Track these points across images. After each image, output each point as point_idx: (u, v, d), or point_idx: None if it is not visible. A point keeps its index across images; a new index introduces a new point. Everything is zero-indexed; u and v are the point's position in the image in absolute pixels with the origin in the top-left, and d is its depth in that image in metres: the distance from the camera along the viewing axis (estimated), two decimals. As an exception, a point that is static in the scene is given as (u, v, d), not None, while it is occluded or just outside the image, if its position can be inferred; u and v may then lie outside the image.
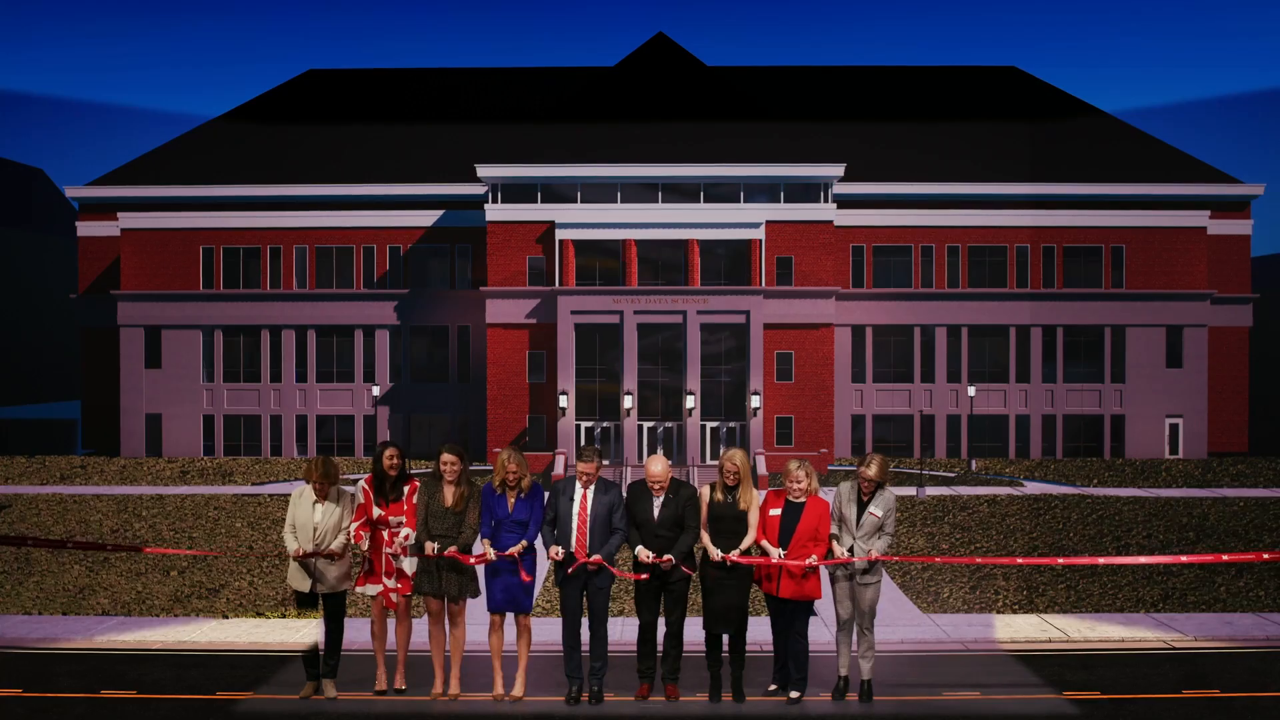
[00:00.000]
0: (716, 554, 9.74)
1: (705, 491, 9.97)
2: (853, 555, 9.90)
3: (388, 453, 10.01)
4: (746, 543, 9.86)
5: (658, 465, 9.86)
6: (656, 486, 9.84)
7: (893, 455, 47.24)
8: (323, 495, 9.89)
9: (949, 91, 54.60)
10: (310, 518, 9.86)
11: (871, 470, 9.94)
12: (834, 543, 10.02)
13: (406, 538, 9.84)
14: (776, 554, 9.77)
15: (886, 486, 10.06)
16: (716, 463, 10.56)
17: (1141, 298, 47.67)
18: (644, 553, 9.80)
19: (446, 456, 9.85)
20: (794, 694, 9.91)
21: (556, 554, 9.70)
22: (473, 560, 9.77)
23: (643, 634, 10.02)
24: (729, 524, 9.85)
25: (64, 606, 14.98)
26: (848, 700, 9.97)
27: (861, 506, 9.98)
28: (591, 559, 9.68)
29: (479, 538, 9.93)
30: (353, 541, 9.92)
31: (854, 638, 10.13)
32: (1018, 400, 48.16)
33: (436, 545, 9.72)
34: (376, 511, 9.96)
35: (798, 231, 46.36)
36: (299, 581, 9.85)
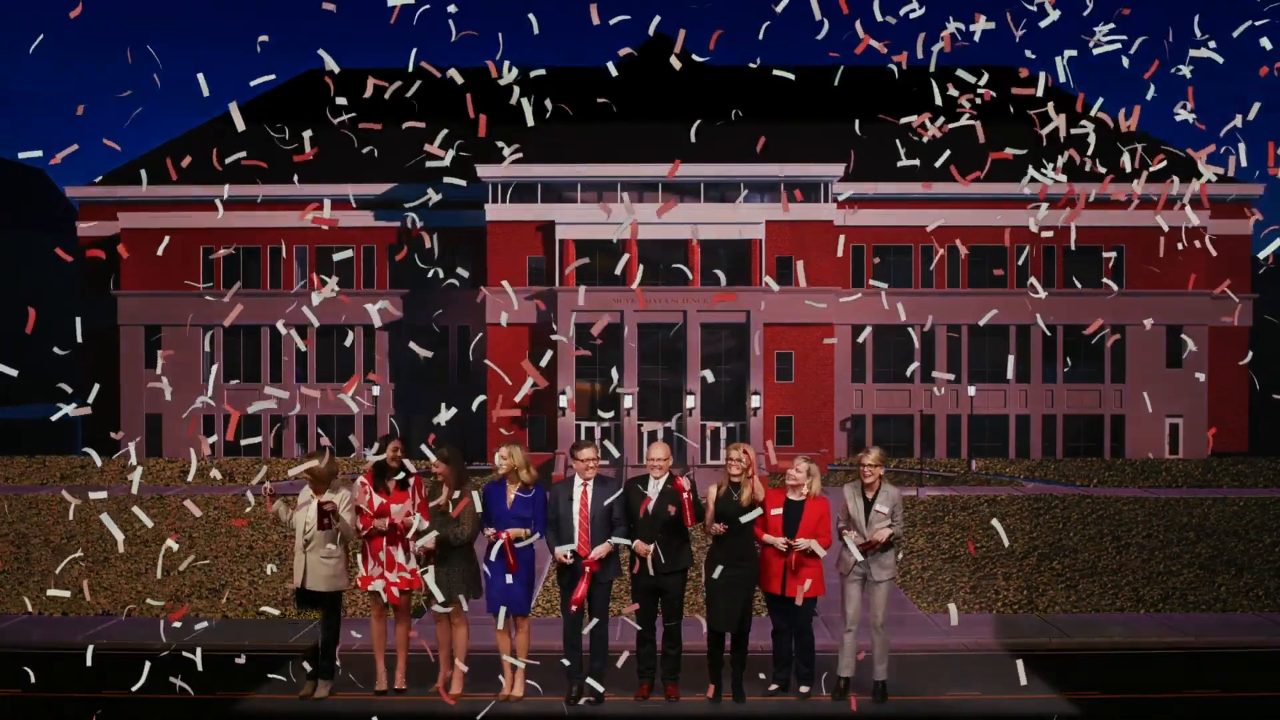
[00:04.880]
0: (717, 527, 9.76)
1: (712, 490, 9.99)
2: (863, 541, 9.90)
3: (392, 445, 10.08)
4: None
5: (659, 449, 9.93)
6: (656, 471, 9.87)
7: (892, 455, 47.24)
8: (319, 492, 9.95)
9: (949, 91, 54.60)
10: (304, 514, 9.93)
11: (869, 458, 9.99)
12: (844, 541, 10.06)
13: (414, 519, 9.92)
14: (782, 542, 9.76)
15: (887, 483, 10.09)
16: (716, 462, 10.59)
17: (1142, 297, 47.67)
18: (641, 546, 9.81)
19: (436, 459, 9.93)
20: (803, 689, 9.92)
21: (565, 557, 9.68)
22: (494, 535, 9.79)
23: (641, 634, 10.03)
24: (733, 521, 9.85)
25: (64, 606, 14.97)
26: (848, 700, 9.96)
27: (868, 504, 9.97)
28: (592, 555, 9.69)
29: (481, 530, 9.95)
30: (359, 524, 9.99)
31: (859, 639, 10.11)
32: (1018, 400, 48.18)
33: (431, 539, 9.78)
34: (377, 501, 9.98)
35: (798, 231, 46.38)
36: (295, 577, 9.93)
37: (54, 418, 9.56)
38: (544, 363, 9.94)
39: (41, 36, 10.10)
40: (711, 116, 47.55)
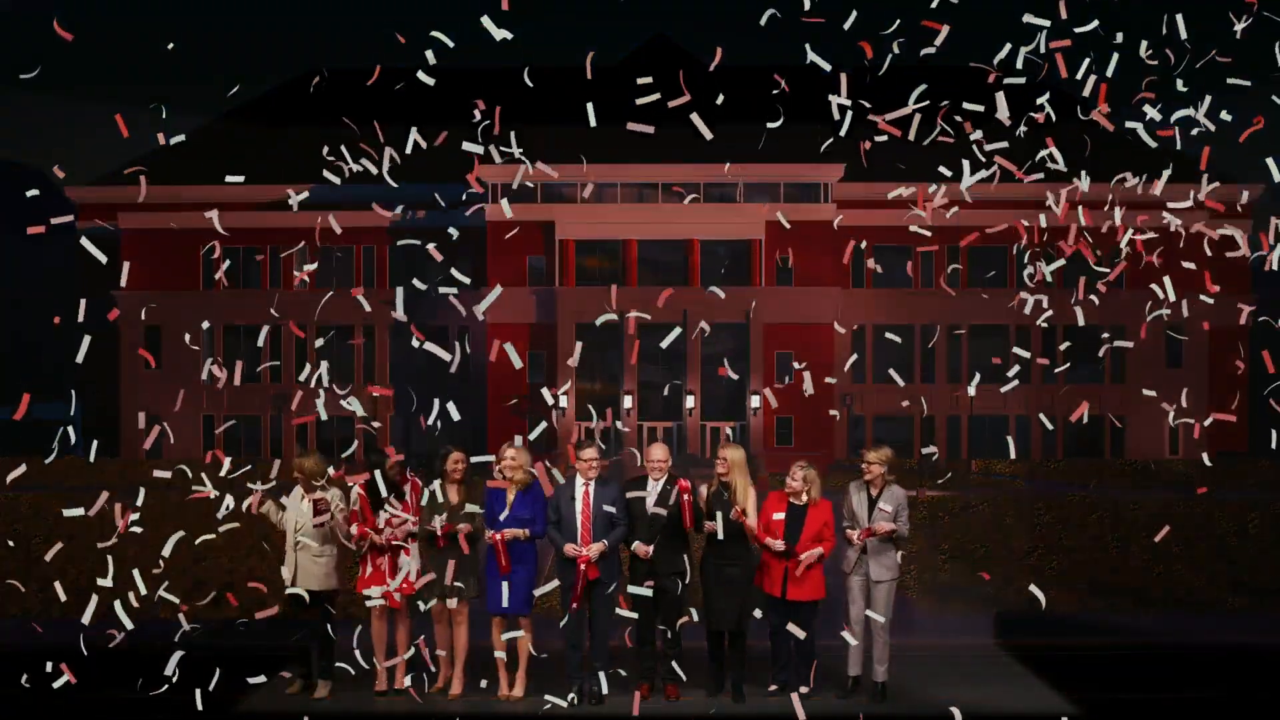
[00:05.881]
0: (713, 526, 9.76)
1: (703, 490, 10.01)
2: (867, 535, 9.87)
3: (390, 462, 10.12)
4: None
5: (658, 450, 9.92)
6: (655, 472, 9.87)
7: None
8: (310, 491, 10.00)
9: (948, 91, 54.60)
10: (295, 513, 9.97)
11: (871, 454, 9.97)
12: (844, 541, 10.06)
13: (406, 524, 9.91)
14: (780, 545, 9.77)
15: (894, 483, 10.05)
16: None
17: (1141, 297, 47.68)
18: (641, 548, 9.81)
19: (456, 455, 9.94)
20: (803, 689, 9.92)
21: (575, 550, 9.69)
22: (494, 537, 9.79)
23: (642, 634, 10.04)
24: (726, 521, 9.86)
25: (64, 607, 14.96)
26: (854, 700, 9.97)
27: (872, 502, 9.95)
28: (592, 547, 9.69)
29: (485, 531, 9.96)
30: (356, 535, 10.03)
31: (864, 639, 10.10)
32: (1018, 401, 48.20)
33: (452, 527, 9.75)
34: (380, 515, 10.00)
35: (798, 231, 46.39)
36: (286, 576, 9.99)
37: (67, 511, 9.62)
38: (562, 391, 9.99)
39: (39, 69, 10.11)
40: (712, 118, 47.54)
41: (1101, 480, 38.80)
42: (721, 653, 10.08)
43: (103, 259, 10.17)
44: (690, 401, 45.22)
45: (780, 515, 9.89)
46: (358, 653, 10.28)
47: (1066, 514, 23.60)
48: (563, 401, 44.71)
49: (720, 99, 14.84)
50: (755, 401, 45.09)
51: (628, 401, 45.25)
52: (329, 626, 10.14)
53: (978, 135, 10.05)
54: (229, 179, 13.62)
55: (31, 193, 9.93)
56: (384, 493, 9.91)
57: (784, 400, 46.17)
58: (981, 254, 48.28)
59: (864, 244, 47.34)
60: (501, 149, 9.80)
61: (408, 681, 10.15)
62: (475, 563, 10.08)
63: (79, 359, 10.29)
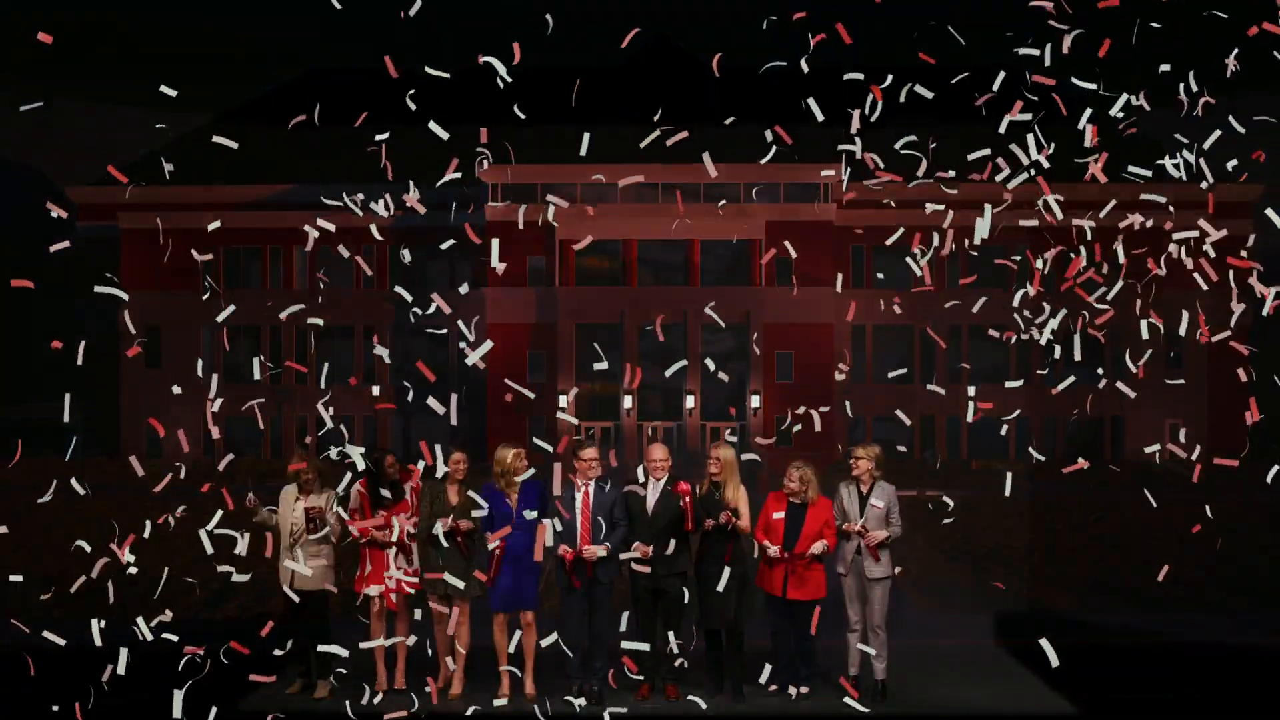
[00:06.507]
0: (711, 524, 9.76)
1: (696, 490, 10.02)
2: (861, 536, 9.87)
3: (389, 458, 10.12)
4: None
5: (659, 450, 9.93)
6: (657, 472, 9.88)
7: (892, 455, 47.33)
8: (307, 491, 10.01)
9: (948, 91, 54.60)
10: (290, 513, 9.97)
11: (861, 450, 10.01)
12: (841, 540, 10.05)
13: (408, 524, 9.91)
14: (774, 550, 9.79)
15: (881, 479, 10.09)
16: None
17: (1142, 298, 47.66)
18: (641, 547, 9.81)
19: (456, 455, 9.95)
20: (803, 689, 9.93)
21: (567, 552, 9.72)
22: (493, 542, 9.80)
23: (641, 635, 10.04)
24: (716, 519, 9.88)
25: (64, 607, 14.96)
26: (853, 700, 9.97)
27: (863, 499, 9.99)
28: (595, 547, 9.70)
29: (487, 533, 9.97)
30: (357, 533, 10.04)
31: (864, 638, 10.11)
32: (1017, 401, 48.20)
33: (450, 522, 9.72)
34: (379, 514, 10.01)
35: (798, 231, 46.39)
36: (283, 577, 10.00)
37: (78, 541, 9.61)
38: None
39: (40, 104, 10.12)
40: (713, 118, 47.55)
41: (1101, 480, 38.75)
42: (720, 652, 10.08)
43: (123, 297, 10.23)
44: (690, 401, 45.25)
45: (780, 515, 9.90)
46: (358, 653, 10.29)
47: (1067, 514, 23.64)
48: (562, 402, 44.69)
49: (719, 100, 14.84)
50: (755, 401, 45.10)
51: (628, 401, 45.27)
52: (324, 627, 10.12)
53: (1002, 175, 10.05)
54: (210, 226, 13.92)
55: (51, 210, 9.92)
56: (394, 510, 9.93)
57: (784, 400, 46.15)
58: (981, 253, 48.26)
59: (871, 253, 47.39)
60: (504, 164, 9.85)
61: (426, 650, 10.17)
62: (478, 561, 10.08)
63: (65, 418, 10.36)
